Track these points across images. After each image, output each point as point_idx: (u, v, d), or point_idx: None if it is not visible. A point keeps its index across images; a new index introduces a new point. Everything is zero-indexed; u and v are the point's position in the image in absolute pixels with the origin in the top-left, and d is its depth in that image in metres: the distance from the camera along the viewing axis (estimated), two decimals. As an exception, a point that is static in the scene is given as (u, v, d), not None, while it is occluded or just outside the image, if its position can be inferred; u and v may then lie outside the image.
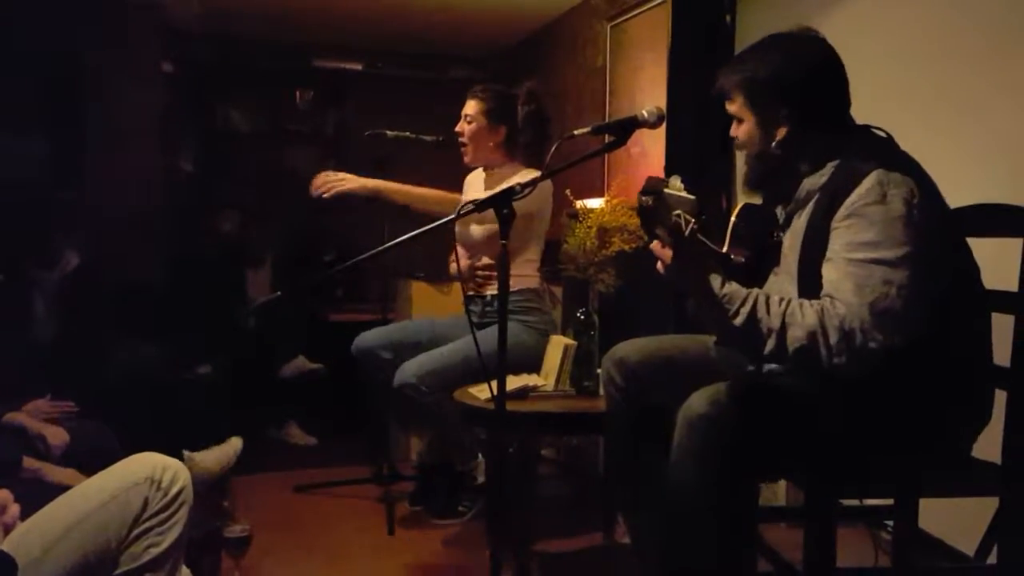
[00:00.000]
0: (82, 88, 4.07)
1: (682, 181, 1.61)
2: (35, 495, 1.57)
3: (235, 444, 2.42)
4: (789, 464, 1.74)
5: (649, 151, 3.74)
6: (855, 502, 1.97)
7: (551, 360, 2.61)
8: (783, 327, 1.57)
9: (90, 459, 2.01)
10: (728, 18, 3.35)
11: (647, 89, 3.90)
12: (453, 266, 3.06)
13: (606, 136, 1.90)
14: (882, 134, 1.76)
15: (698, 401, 1.65)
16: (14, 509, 1.47)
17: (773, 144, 1.77)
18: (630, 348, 2.05)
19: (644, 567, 2.13)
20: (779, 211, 1.88)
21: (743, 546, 1.73)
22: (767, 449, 1.65)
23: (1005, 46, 2.35)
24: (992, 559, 1.87)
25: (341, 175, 2.96)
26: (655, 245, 1.66)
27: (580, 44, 4.65)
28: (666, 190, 1.55)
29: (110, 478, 1.56)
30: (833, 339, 1.54)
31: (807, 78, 1.75)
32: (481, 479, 3.06)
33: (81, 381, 2.67)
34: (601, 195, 3.08)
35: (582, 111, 4.56)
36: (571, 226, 2.65)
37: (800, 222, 1.76)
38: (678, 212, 1.55)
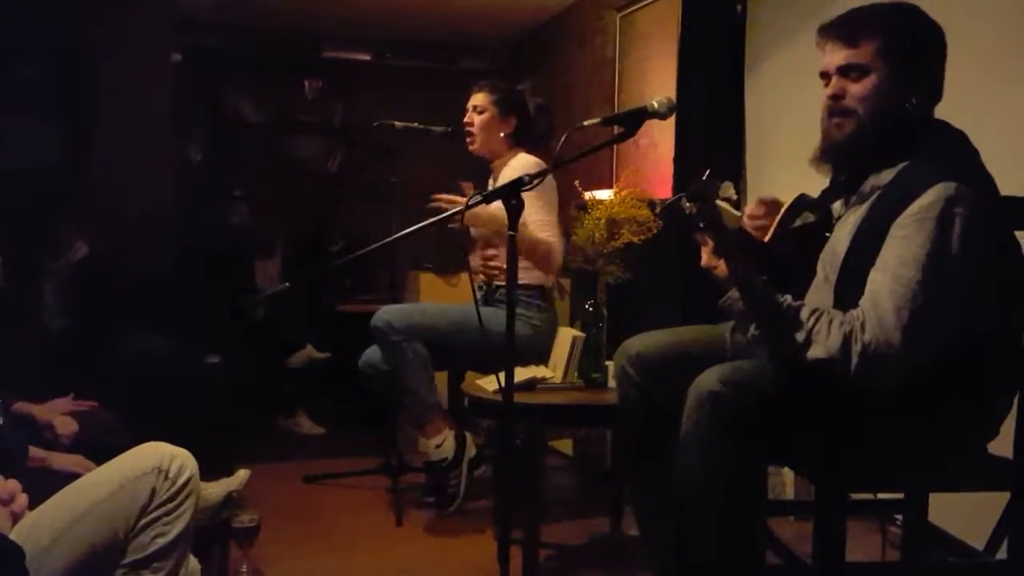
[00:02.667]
0: (91, 77, 4.07)
1: (735, 188, 1.56)
2: (43, 485, 1.57)
3: (241, 476, 2.45)
4: (797, 448, 1.71)
5: (658, 142, 3.72)
6: (864, 495, 1.96)
7: (559, 352, 2.60)
8: (807, 343, 1.56)
9: (98, 448, 2.01)
10: (739, 8, 3.32)
11: (657, 79, 3.88)
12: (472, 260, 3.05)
13: (615, 127, 1.88)
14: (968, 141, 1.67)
15: (709, 378, 1.63)
16: (22, 499, 1.47)
17: (909, 104, 1.63)
18: (645, 342, 2.01)
19: (652, 559, 2.13)
20: (837, 206, 1.81)
21: (751, 532, 1.71)
22: (776, 430, 1.63)
23: (1016, 38, 2.32)
24: (1002, 554, 1.86)
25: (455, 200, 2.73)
26: (705, 249, 1.64)
27: (589, 34, 4.62)
28: (719, 202, 1.50)
29: (118, 468, 1.56)
30: (854, 363, 1.52)
31: (930, 47, 1.67)
32: (447, 456, 2.98)
33: (90, 370, 2.68)
34: (610, 186, 3.06)
35: (591, 102, 4.53)
36: (579, 218, 2.63)
37: (855, 216, 1.69)
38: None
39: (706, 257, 1.65)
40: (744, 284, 1.62)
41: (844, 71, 1.66)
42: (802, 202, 1.80)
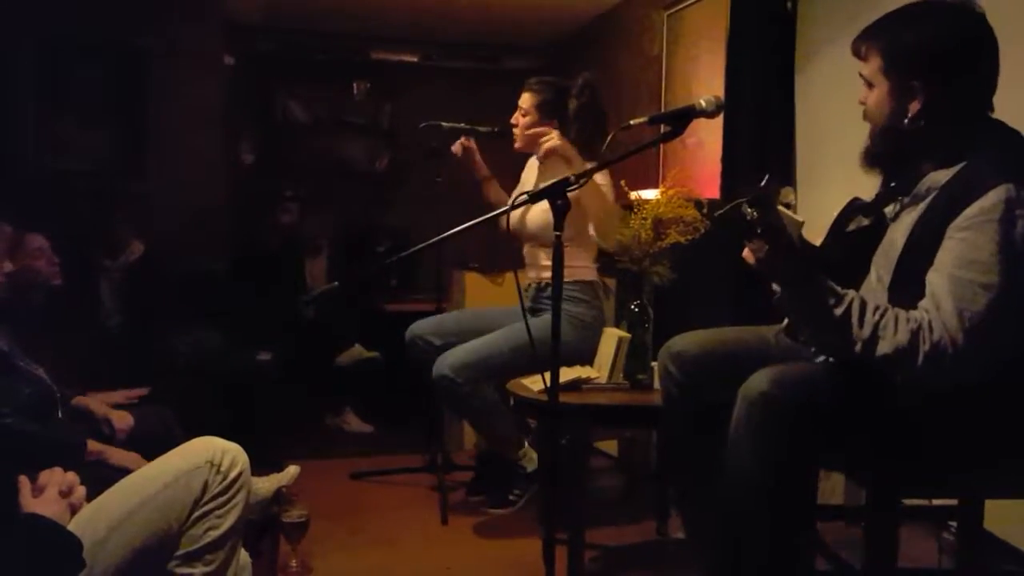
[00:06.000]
0: (146, 81, 4.17)
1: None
2: (100, 478, 1.62)
3: (291, 472, 2.49)
4: (849, 450, 1.68)
5: (705, 141, 3.69)
6: (917, 501, 1.92)
7: (604, 353, 2.59)
8: (873, 338, 1.53)
9: (153, 443, 2.06)
10: (789, 5, 3.28)
11: (704, 78, 3.85)
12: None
13: (662, 126, 1.87)
14: None
15: (759, 379, 1.61)
16: (80, 491, 1.52)
17: (905, 120, 1.64)
18: (687, 341, 2.01)
19: (698, 562, 2.11)
20: (889, 208, 1.77)
21: (800, 535, 1.68)
22: (828, 432, 1.60)
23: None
24: (1062, 563, 1.81)
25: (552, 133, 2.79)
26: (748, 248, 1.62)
27: (636, 33, 4.60)
28: (781, 208, 1.49)
29: (171, 461, 1.59)
30: (921, 360, 1.50)
31: (957, 53, 1.62)
32: (531, 468, 3.05)
33: (145, 366, 2.74)
34: (656, 186, 3.04)
35: (638, 101, 4.51)
36: (625, 217, 2.62)
37: (910, 217, 1.66)
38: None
39: (747, 252, 1.62)
40: (800, 286, 1.59)
41: (864, 79, 1.71)
42: (855, 206, 1.77)
